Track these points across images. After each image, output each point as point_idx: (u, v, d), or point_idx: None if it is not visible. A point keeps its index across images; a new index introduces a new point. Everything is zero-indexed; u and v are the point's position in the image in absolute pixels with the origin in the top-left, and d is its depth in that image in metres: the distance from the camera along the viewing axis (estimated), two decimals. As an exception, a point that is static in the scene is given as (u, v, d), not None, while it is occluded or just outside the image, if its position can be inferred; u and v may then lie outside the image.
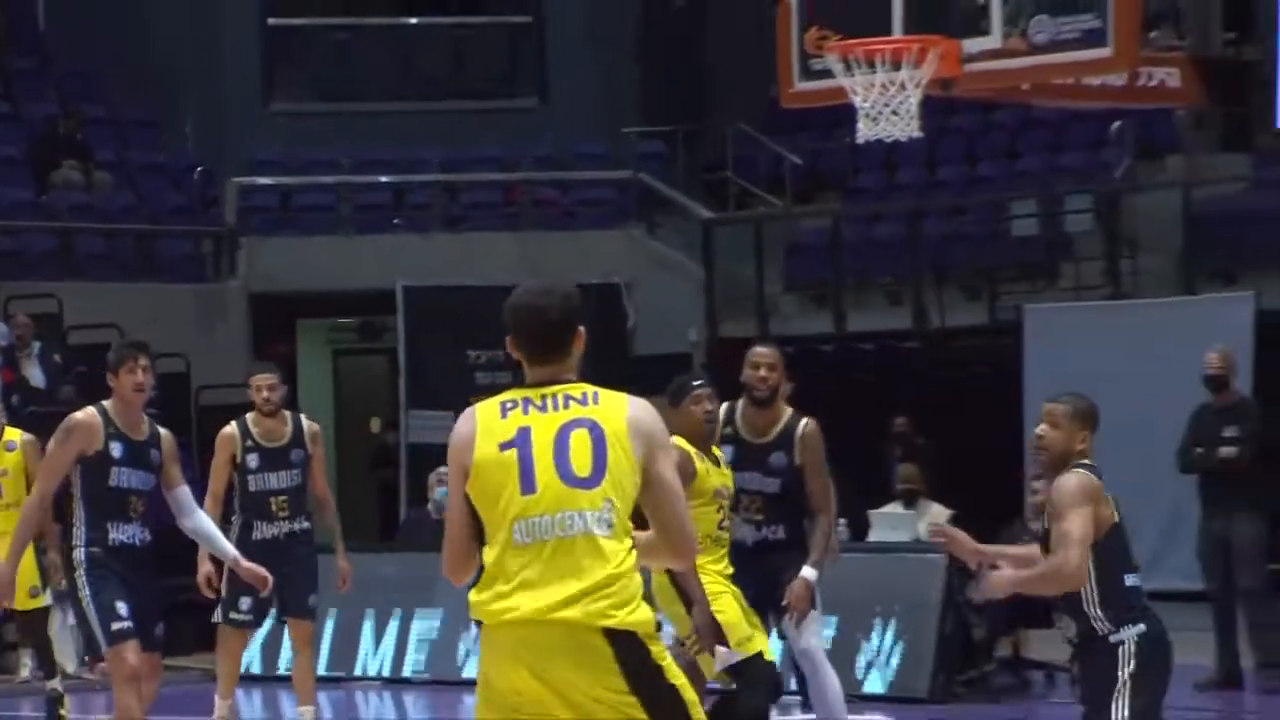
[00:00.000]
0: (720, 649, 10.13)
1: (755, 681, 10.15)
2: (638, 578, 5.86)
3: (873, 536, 16.89)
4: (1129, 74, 13.95)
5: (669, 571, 9.45)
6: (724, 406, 10.71)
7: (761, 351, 10.97)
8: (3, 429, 13.82)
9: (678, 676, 5.87)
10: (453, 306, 22.53)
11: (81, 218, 24.02)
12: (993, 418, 19.30)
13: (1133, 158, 21.82)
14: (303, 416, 12.56)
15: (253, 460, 11.61)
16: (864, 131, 13.41)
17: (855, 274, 23.49)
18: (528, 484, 5.76)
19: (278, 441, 11.88)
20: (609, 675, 5.73)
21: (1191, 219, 21.02)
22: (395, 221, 24.61)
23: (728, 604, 10.11)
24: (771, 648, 10.55)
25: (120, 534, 9.97)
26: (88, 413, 9.83)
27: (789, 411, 10.91)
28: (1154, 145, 22.06)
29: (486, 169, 25.31)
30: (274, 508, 11.73)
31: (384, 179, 25.15)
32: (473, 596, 5.87)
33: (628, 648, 5.76)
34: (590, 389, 6.01)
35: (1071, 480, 7.47)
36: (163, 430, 10.68)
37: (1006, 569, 8.53)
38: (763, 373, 10.60)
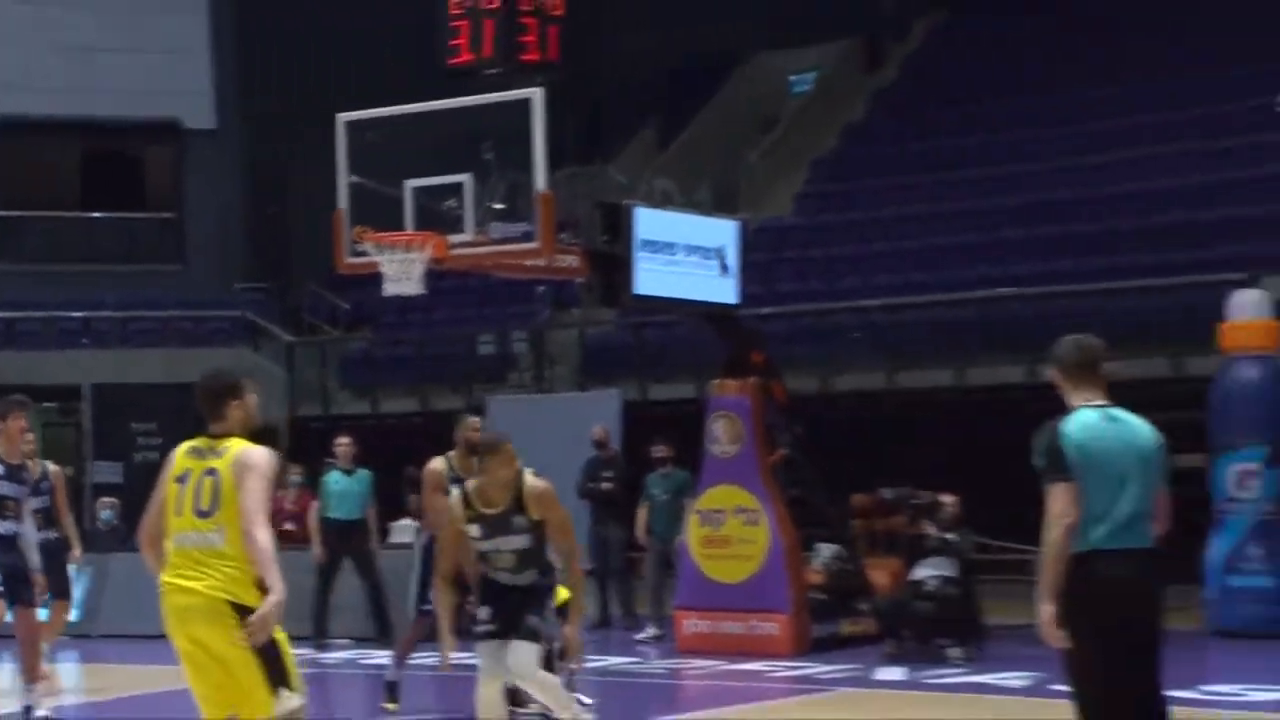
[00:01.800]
0: None
1: None
2: (247, 570, 6.75)
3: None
4: (548, 258, 14.54)
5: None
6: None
7: (474, 420, 11.68)
8: None
9: (278, 633, 6.79)
10: (124, 397, 25.49)
11: None
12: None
13: (550, 307, 25.53)
14: (48, 463, 13.67)
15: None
16: (388, 289, 14.25)
17: (387, 376, 26.53)
18: (178, 510, 6.84)
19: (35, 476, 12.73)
20: (233, 630, 6.71)
21: (585, 347, 24.97)
22: (84, 341, 27.28)
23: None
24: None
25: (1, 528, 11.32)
26: None
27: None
28: (563, 301, 25.41)
29: (149, 309, 27.55)
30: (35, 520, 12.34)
31: (75, 314, 27.32)
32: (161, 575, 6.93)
33: (243, 614, 6.68)
34: (231, 443, 6.92)
35: None
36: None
37: None
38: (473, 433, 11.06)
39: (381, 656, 13.92)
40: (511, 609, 9.12)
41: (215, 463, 6.81)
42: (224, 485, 6.79)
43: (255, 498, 6.78)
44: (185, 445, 7.00)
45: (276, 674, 6.81)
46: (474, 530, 9.19)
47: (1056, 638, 6.67)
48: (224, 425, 6.91)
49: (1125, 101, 25.65)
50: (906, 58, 29.53)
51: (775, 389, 16.20)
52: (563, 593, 9.45)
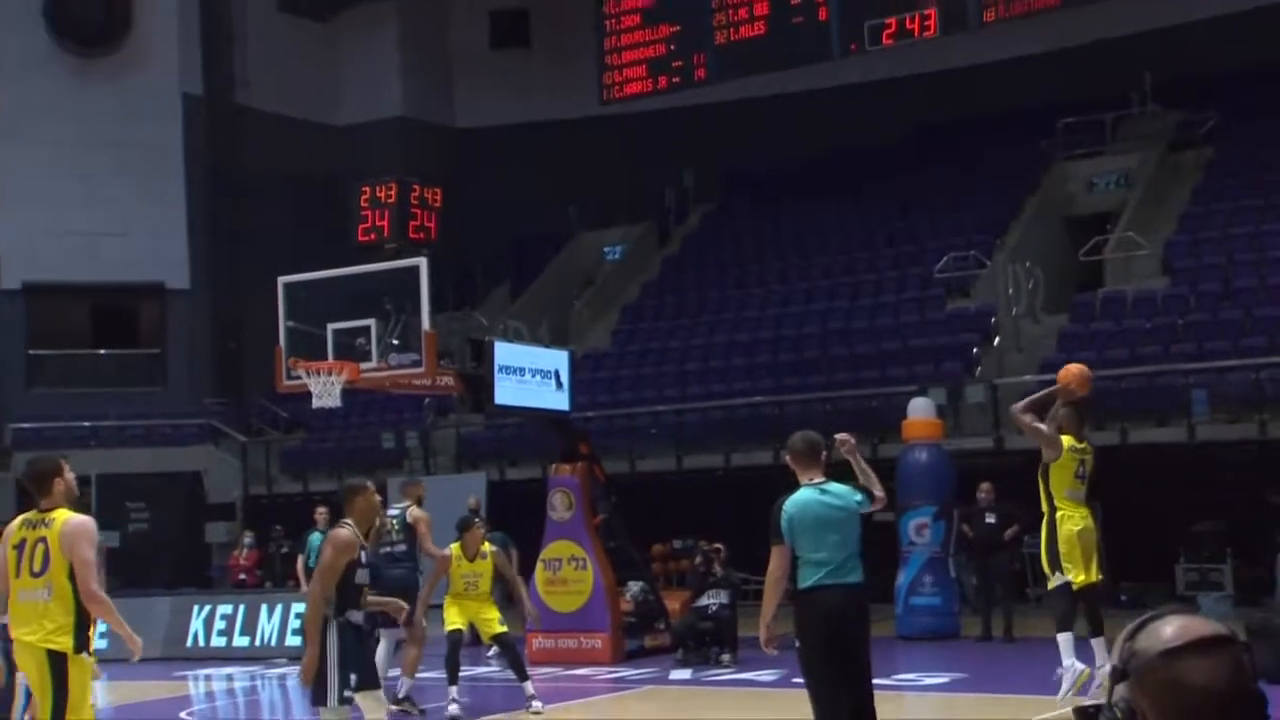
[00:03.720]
0: None
1: None
2: (66, 621, 6.10)
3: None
4: (432, 379, 14.42)
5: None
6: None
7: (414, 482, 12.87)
8: None
9: (78, 680, 6.12)
10: (121, 484, 24.43)
11: None
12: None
13: (434, 413, 25.11)
14: None
15: None
16: (315, 403, 14.06)
17: (315, 465, 25.80)
18: (17, 572, 6.23)
19: None
20: (46, 671, 6.13)
21: (460, 441, 24.48)
22: (91, 442, 26.08)
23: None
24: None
25: None
26: None
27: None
28: (443, 409, 24.58)
29: (139, 419, 27.11)
30: None
31: (85, 423, 26.67)
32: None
33: (55, 657, 6.09)
34: (57, 514, 6.25)
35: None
36: None
37: None
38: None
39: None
40: None
41: (45, 532, 6.23)
42: (53, 550, 6.21)
43: (87, 560, 6.21)
44: (19, 518, 6.44)
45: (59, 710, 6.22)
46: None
47: (770, 646, 6.86)
48: (51, 500, 6.32)
49: (833, 267, 26.00)
50: (687, 235, 29.65)
51: (597, 471, 16.17)
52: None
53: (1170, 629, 1.83)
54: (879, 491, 7.06)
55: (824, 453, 7.07)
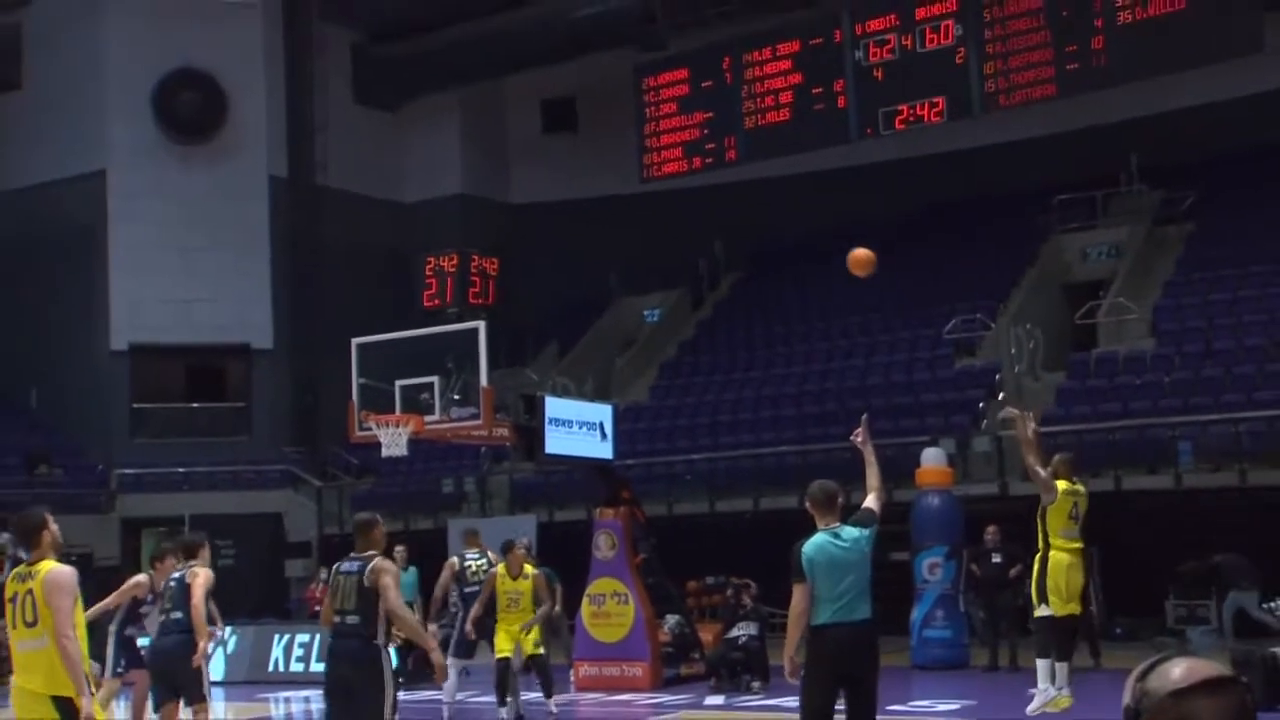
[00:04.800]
0: None
1: None
2: (60, 663, 5.66)
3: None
4: (489, 431, 14.28)
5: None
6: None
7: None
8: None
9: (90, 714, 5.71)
10: (211, 524, 22.38)
11: None
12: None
13: (490, 461, 24.74)
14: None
15: None
16: (384, 452, 14.08)
17: (383, 507, 22.06)
18: (14, 623, 5.94)
19: None
20: (51, 716, 5.76)
21: (513, 486, 23.96)
22: (185, 487, 26.58)
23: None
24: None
25: None
26: None
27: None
28: (499, 457, 24.17)
29: (227, 465, 27.14)
30: None
31: (180, 470, 26.66)
32: None
33: (61, 702, 5.75)
34: (42, 565, 5.89)
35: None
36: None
37: None
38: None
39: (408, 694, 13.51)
40: None
41: (31, 584, 5.88)
42: (38, 601, 5.86)
43: (63, 613, 5.81)
44: (13, 572, 6.07)
45: None
46: None
47: (794, 676, 6.76)
48: (39, 551, 5.94)
49: (851, 329, 25.93)
50: (718, 300, 29.59)
51: (638, 514, 16.10)
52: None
53: (1178, 670, 1.82)
54: (876, 481, 7.12)
55: (839, 499, 7.05)
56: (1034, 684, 10.30)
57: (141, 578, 10.52)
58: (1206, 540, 16.90)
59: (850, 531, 6.90)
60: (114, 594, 10.42)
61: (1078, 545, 9.94)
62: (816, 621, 6.71)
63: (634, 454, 22.22)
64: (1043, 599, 9.78)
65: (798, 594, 6.75)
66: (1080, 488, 10.14)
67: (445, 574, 12.67)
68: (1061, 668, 9.86)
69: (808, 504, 7.09)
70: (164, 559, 9.96)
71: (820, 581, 6.71)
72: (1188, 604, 17.25)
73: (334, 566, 7.50)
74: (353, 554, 7.40)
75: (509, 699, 11.70)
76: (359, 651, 7.12)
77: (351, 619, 7.18)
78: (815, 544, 6.80)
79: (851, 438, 7.26)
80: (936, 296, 25.29)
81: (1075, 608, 10.01)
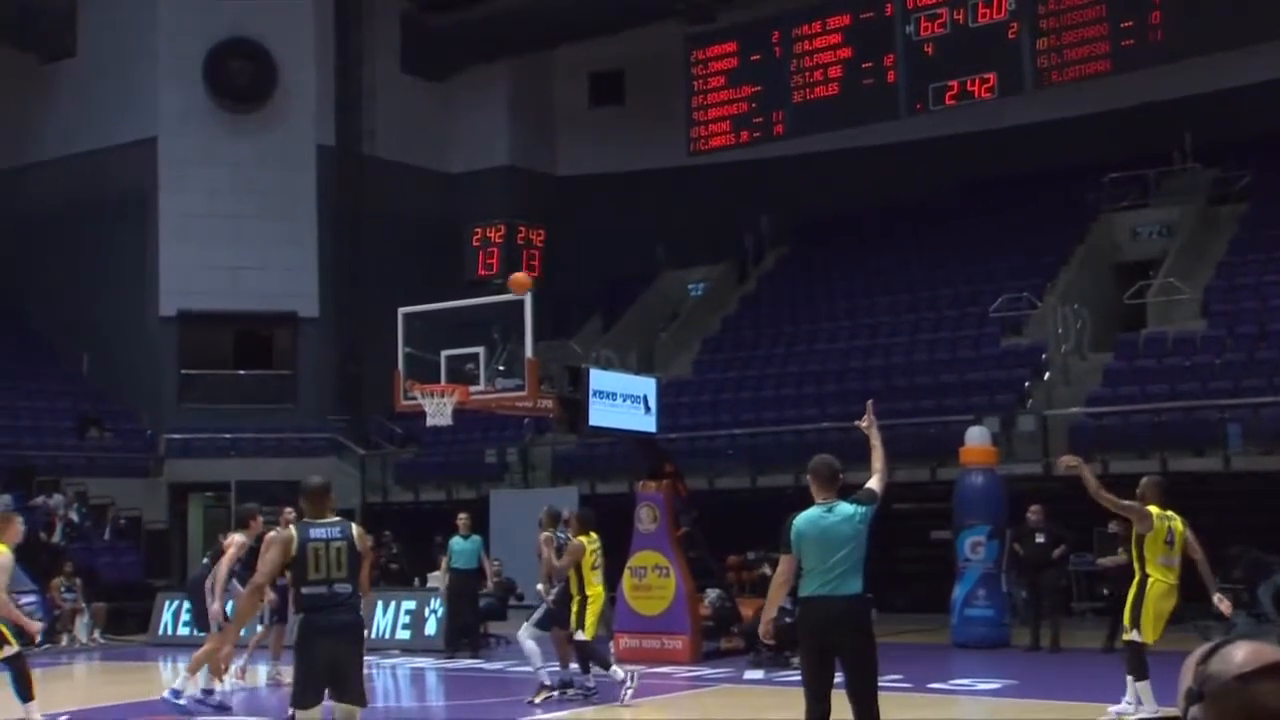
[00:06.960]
0: None
1: None
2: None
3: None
4: (533, 402, 14.16)
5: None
6: None
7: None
8: None
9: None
10: (257, 490, 22.78)
11: None
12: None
13: (533, 432, 24.88)
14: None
15: None
16: (429, 421, 14.00)
17: (425, 477, 25.30)
18: None
19: None
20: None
21: (556, 458, 24.26)
22: (232, 453, 26.44)
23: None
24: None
25: None
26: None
27: None
28: (542, 428, 24.27)
29: (273, 432, 26.96)
30: None
31: (227, 435, 26.53)
32: None
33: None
34: None
35: None
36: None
37: None
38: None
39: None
40: None
41: None
42: None
43: None
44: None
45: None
46: None
47: (768, 637, 7.23)
48: None
49: (896, 305, 25.75)
50: (763, 275, 29.45)
51: (680, 487, 16.08)
52: None
53: (1241, 654, 1.81)
54: (880, 464, 7.07)
55: (839, 476, 6.99)
56: (1075, 664, 10.23)
57: (239, 536, 11.53)
58: (1253, 524, 16.78)
59: (845, 508, 6.85)
60: (224, 557, 11.39)
61: (1175, 574, 9.80)
62: (804, 592, 6.73)
63: (676, 428, 22.23)
64: (1135, 625, 9.68)
65: (782, 564, 6.84)
66: (1171, 513, 9.94)
67: (546, 549, 12.44)
68: (1145, 686, 9.77)
69: (809, 477, 7.05)
70: (247, 522, 11.43)
71: (808, 554, 6.70)
72: (1233, 587, 16.97)
73: (297, 536, 6.82)
74: (313, 520, 6.89)
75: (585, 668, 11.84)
76: (355, 626, 6.77)
77: (342, 588, 6.72)
78: (807, 517, 6.79)
79: (858, 423, 7.24)
80: (983, 274, 25.18)
81: (1159, 635, 9.89)
